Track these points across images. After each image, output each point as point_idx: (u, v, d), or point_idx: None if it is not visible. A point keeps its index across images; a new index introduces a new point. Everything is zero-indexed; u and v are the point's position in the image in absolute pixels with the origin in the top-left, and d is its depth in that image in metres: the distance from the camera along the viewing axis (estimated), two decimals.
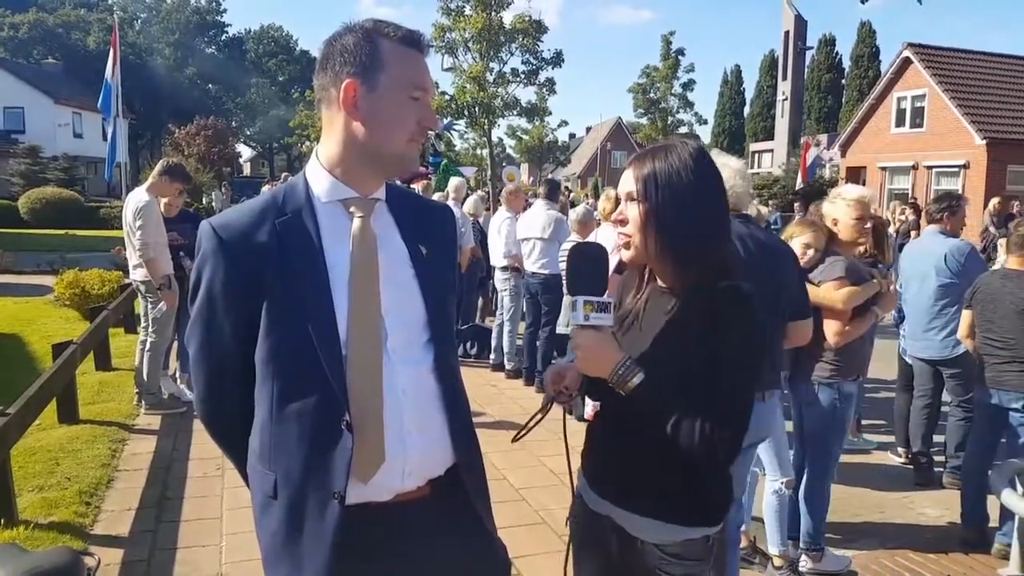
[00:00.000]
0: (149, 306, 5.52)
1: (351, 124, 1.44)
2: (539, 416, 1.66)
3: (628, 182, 1.59)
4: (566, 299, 5.65)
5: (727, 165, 2.74)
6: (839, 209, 3.42)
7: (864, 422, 5.48)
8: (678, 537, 1.58)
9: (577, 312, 1.52)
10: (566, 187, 21.79)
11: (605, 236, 5.02)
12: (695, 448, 1.45)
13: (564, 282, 4.00)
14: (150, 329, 5.53)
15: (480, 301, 8.99)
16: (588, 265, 1.57)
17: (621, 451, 1.63)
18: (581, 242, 5.75)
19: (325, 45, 1.46)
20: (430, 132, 1.56)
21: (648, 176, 1.55)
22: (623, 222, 1.59)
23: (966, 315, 3.91)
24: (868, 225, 3.42)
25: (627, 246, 1.60)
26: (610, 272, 1.65)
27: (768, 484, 3.37)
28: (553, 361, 6.71)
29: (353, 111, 1.43)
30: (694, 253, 1.54)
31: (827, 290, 3.27)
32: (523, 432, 1.66)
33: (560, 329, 6.05)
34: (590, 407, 1.73)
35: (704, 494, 1.60)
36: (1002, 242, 9.28)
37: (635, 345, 1.59)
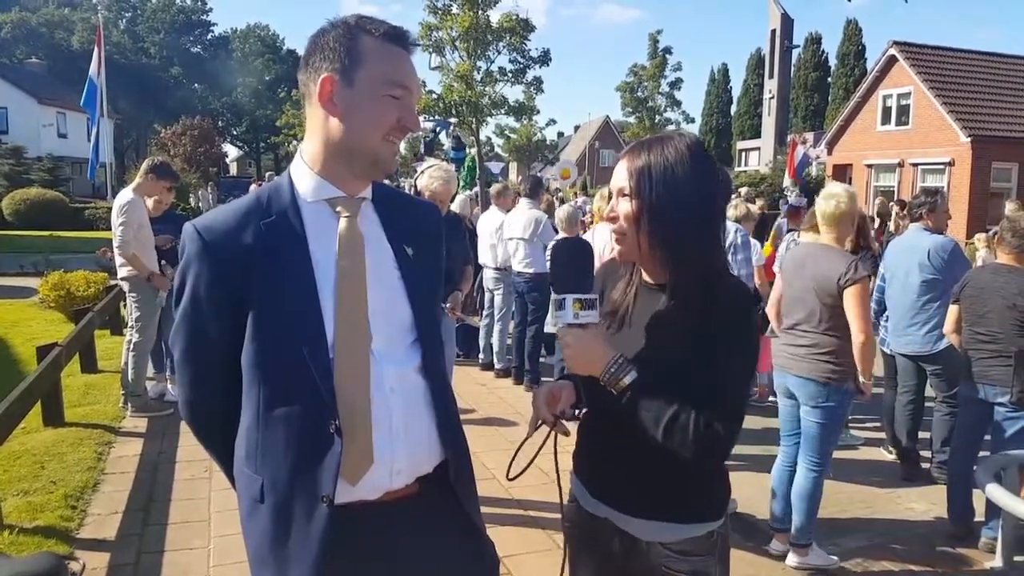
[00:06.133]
0: (133, 305, 5.47)
1: (328, 120, 1.43)
2: (539, 446, 1.61)
3: (621, 176, 1.54)
4: (553, 297, 5.63)
5: None
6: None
7: (850, 417, 5.50)
8: (682, 535, 1.56)
9: (566, 310, 1.49)
10: (555, 187, 21.77)
11: (602, 236, 4.99)
12: (691, 444, 1.43)
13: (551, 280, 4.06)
14: (134, 328, 5.48)
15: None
16: (574, 262, 1.57)
17: (615, 452, 1.60)
18: (565, 239, 5.78)
19: (309, 41, 1.46)
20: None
21: (642, 170, 1.51)
22: (614, 218, 1.56)
23: (953, 310, 3.93)
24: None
25: (619, 242, 1.57)
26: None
27: (803, 471, 3.48)
28: (542, 359, 6.70)
29: (330, 106, 1.42)
30: (688, 250, 1.50)
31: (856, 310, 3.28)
32: (520, 471, 1.65)
33: (548, 328, 6.03)
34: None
35: (704, 490, 1.58)
36: (980, 236, 9.29)
37: (626, 343, 1.56)
